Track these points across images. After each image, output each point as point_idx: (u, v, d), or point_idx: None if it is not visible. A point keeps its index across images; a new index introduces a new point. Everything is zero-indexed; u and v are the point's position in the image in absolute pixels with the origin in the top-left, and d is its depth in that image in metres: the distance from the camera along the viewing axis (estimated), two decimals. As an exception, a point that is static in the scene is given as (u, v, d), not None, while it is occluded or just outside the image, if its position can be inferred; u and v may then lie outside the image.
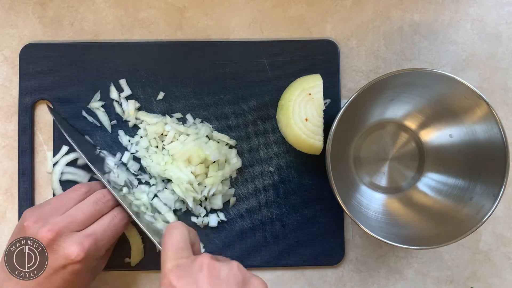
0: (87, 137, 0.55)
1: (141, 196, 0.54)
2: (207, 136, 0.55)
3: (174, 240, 0.42)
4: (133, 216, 0.50)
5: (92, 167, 0.51)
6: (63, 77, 0.55)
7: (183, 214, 0.55)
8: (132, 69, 0.56)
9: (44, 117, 0.56)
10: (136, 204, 0.53)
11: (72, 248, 0.44)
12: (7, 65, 0.56)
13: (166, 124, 0.55)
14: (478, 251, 0.57)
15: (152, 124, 0.54)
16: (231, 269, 0.40)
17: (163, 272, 0.40)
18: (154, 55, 0.56)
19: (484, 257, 0.57)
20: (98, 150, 0.54)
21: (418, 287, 0.57)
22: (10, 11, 0.57)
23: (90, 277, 0.49)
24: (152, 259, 0.55)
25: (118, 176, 0.53)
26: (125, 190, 0.53)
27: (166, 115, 0.56)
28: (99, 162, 0.53)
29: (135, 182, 0.55)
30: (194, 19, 0.57)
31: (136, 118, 0.55)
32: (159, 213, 0.54)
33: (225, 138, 0.55)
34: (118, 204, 0.50)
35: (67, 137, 0.52)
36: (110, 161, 0.54)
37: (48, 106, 0.54)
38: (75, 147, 0.52)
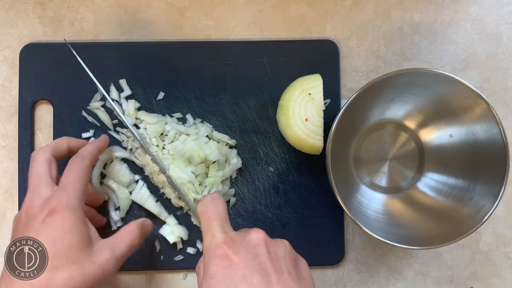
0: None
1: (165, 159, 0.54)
2: (207, 136, 0.55)
3: (219, 210, 0.41)
4: (164, 170, 0.50)
5: (121, 116, 0.52)
6: (63, 77, 0.55)
7: (183, 214, 0.55)
8: (132, 69, 0.56)
9: (44, 117, 0.56)
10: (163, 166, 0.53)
11: (47, 201, 0.43)
12: (7, 65, 0.56)
13: (166, 124, 0.55)
14: (478, 251, 0.57)
15: (152, 123, 0.54)
16: (286, 247, 0.39)
17: (213, 243, 0.38)
18: (154, 55, 0.56)
19: (484, 257, 0.57)
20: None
21: (418, 287, 0.57)
22: (10, 11, 0.57)
23: (89, 241, 0.45)
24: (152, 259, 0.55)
25: (146, 134, 0.53)
26: (152, 149, 0.53)
27: (166, 115, 0.56)
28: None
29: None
30: (194, 19, 0.57)
31: (136, 118, 0.55)
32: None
33: (225, 138, 0.55)
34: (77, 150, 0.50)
35: (95, 81, 0.53)
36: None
37: (67, 43, 0.53)
38: (103, 92, 0.53)
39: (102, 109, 0.55)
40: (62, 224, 0.43)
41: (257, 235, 0.38)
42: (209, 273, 0.37)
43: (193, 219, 0.54)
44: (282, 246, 0.39)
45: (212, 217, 0.40)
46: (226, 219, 0.41)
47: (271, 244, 0.38)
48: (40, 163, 0.47)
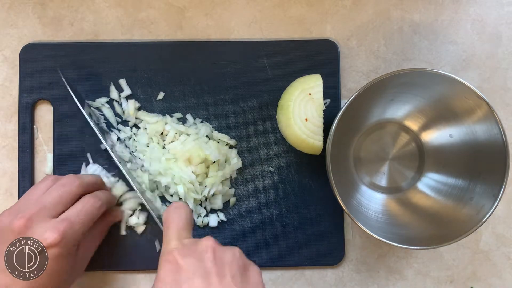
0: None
1: (143, 176, 0.54)
2: (207, 136, 0.55)
3: (179, 219, 0.43)
4: (138, 192, 0.51)
5: (99, 134, 0.52)
6: (63, 77, 0.55)
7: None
8: (132, 69, 0.56)
9: (44, 117, 0.56)
10: (138, 181, 0.53)
11: (48, 233, 0.44)
12: (7, 65, 0.56)
13: (166, 124, 0.55)
14: (478, 251, 0.57)
15: (152, 123, 0.55)
16: (234, 254, 0.40)
17: (166, 249, 0.41)
18: (154, 55, 0.56)
19: (484, 257, 0.57)
20: (103, 123, 0.55)
21: (418, 287, 0.57)
22: (10, 11, 0.57)
23: (71, 270, 0.48)
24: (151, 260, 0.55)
25: (122, 151, 0.54)
26: (129, 165, 0.53)
27: (166, 114, 0.56)
28: (104, 133, 0.54)
29: (138, 161, 0.55)
30: (194, 19, 0.57)
31: (136, 118, 0.55)
32: (158, 189, 0.54)
33: (225, 138, 0.55)
34: (89, 190, 0.50)
35: (76, 101, 0.53)
36: (114, 136, 0.55)
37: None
38: (84, 113, 0.53)
39: (107, 105, 0.55)
40: (55, 264, 0.45)
41: (206, 242, 0.40)
42: (158, 276, 0.39)
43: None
44: (231, 253, 0.40)
45: (171, 225, 0.43)
46: (185, 228, 0.43)
47: (219, 251, 0.40)
48: (71, 188, 0.48)
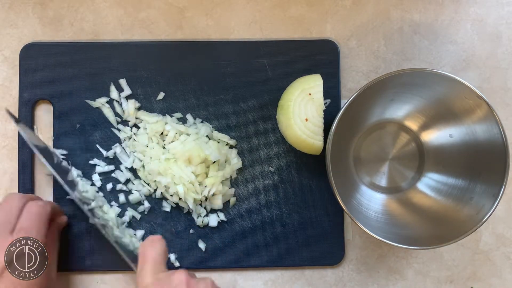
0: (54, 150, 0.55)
1: (109, 211, 0.54)
2: (207, 136, 0.55)
3: (155, 254, 0.45)
4: (102, 231, 0.51)
5: (59, 178, 0.52)
6: (63, 77, 0.55)
7: (184, 214, 0.55)
8: (132, 69, 0.56)
9: (44, 117, 0.56)
10: (105, 219, 0.53)
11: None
12: (7, 65, 0.56)
13: (166, 124, 0.55)
14: (478, 251, 0.57)
15: (152, 123, 0.55)
16: (206, 285, 0.43)
17: (142, 284, 0.43)
18: (154, 55, 0.56)
19: (484, 257, 0.57)
20: (63, 162, 0.55)
21: (418, 287, 0.57)
22: (10, 11, 0.57)
23: (45, 279, 0.48)
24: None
25: (88, 191, 0.54)
26: (93, 204, 0.53)
27: (167, 114, 0.56)
28: (64, 173, 0.53)
29: (101, 197, 0.55)
30: (194, 19, 0.57)
31: (136, 118, 0.55)
32: (127, 227, 0.55)
33: (225, 138, 0.55)
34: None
35: (32, 147, 0.52)
36: (74, 171, 0.54)
37: (13, 117, 0.53)
38: (41, 158, 0.52)
39: (107, 105, 0.55)
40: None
41: (179, 276, 0.43)
42: None
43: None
44: (203, 285, 0.43)
45: (146, 260, 0.44)
46: (160, 262, 0.45)
47: (192, 284, 0.43)
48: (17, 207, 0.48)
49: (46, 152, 0.53)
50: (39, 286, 0.46)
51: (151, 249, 0.45)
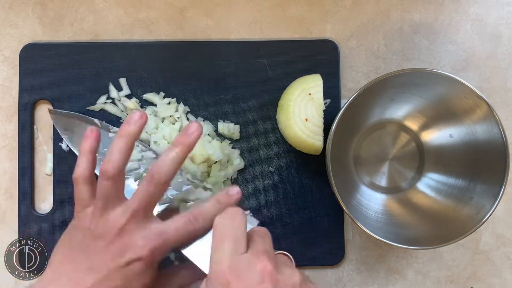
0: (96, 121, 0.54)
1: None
2: (209, 134, 0.55)
3: (235, 228, 0.38)
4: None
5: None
6: (63, 77, 0.55)
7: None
8: (132, 69, 0.56)
9: (44, 117, 0.56)
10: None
11: (139, 243, 0.39)
12: (7, 65, 0.56)
13: (177, 111, 0.55)
14: (478, 251, 0.57)
15: (164, 103, 0.55)
16: (294, 284, 0.36)
17: (219, 267, 0.36)
18: (154, 55, 0.56)
19: (484, 257, 0.57)
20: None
21: (418, 287, 0.57)
22: (10, 11, 0.57)
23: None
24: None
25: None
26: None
27: (181, 102, 0.56)
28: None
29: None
30: (194, 19, 0.57)
31: (144, 100, 0.55)
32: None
33: (230, 126, 0.55)
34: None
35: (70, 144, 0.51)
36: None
37: (49, 109, 0.52)
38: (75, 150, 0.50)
39: (109, 100, 0.55)
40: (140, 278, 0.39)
41: (262, 266, 0.36)
42: None
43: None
44: (290, 284, 0.36)
45: (226, 237, 0.37)
46: (240, 239, 0.38)
47: (278, 281, 0.36)
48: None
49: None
50: None
51: (230, 224, 0.38)
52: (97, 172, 0.42)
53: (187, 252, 0.41)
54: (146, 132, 0.54)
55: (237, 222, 0.38)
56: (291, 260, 0.40)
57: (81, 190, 0.41)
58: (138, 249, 0.38)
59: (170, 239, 0.40)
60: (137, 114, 0.41)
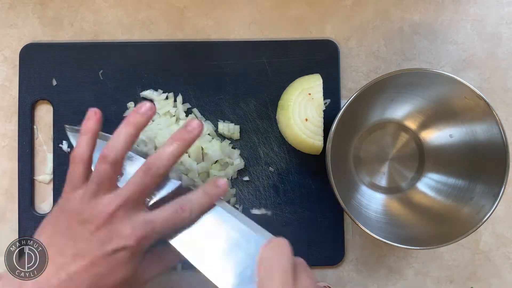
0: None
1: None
2: (209, 134, 0.55)
3: (285, 262, 0.37)
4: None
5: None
6: (63, 77, 0.55)
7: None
8: (132, 69, 0.56)
9: (44, 117, 0.56)
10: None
11: (127, 231, 0.39)
12: (7, 65, 0.56)
13: (175, 108, 0.55)
14: (478, 251, 0.57)
15: (162, 99, 0.55)
16: None
17: None
18: (154, 55, 0.56)
19: (484, 257, 0.57)
20: None
21: (418, 287, 0.57)
22: (10, 11, 0.57)
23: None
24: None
25: None
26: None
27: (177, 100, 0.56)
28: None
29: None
30: (194, 19, 0.57)
31: (143, 98, 0.55)
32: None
33: (231, 126, 0.55)
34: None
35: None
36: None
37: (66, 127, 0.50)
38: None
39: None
40: (126, 268, 0.39)
41: None
42: None
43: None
44: None
45: (276, 268, 0.37)
46: (289, 270, 0.37)
47: None
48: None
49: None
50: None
51: (279, 254, 0.37)
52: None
53: (174, 242, 0.41)
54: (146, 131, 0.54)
55: (285, 252, 0.38)
56: None
57: (75, 170, 0.41)
58: (125, 238, 0.38)
59: (157, 228, 0.40)
60: (147, 105, 0.42)
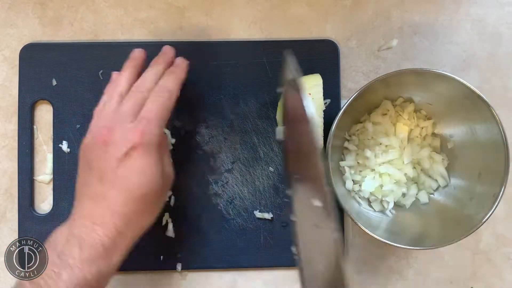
0: None
1: None
2: None
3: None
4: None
5: None
6: (63, 77, 0.55)
7: (183, 214, 0.55)
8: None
9: (44, 117, 0.56)
10: None
11: (129, 134, 0.43)
12: (7, 65, 0.56)
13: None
14: (478, 251, 0.57)
15: None
16: None
17: None
18: (154, 55, 0.56)
19: (484, 257, 0.57)
20: None
21: (418, 287, 0.57)
22: (10, 11, 0.57)
23: (161, 178, 0.45)
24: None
25: None
26: None
27: None
28: None
29: None
30: (194, 19, 0.57)
31: None
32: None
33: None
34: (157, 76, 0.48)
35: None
36: None
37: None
38: None
39: None
40: (144, 161, 0.43)
41: None
42: None
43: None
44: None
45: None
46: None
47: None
48: (125, 86, 0.47)
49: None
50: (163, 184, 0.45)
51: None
52: None
53: None
54: None
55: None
56: None
57: (118, 85, 0.47)
58: (129, 139, 0.42)
59: (152, 117, 0.44)
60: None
